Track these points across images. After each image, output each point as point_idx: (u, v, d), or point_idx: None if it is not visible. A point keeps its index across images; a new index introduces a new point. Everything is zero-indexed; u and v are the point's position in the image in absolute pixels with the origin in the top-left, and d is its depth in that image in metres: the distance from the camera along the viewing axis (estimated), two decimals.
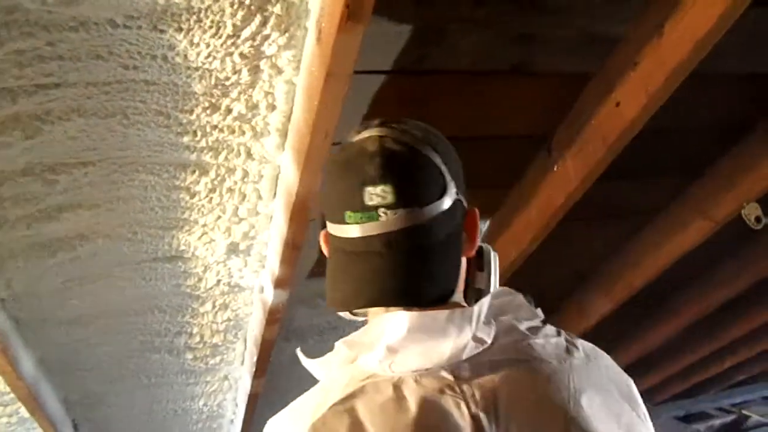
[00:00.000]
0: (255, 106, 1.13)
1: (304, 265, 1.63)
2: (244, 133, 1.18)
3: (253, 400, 2.11)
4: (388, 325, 0.71)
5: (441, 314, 0.70)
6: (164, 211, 1.34)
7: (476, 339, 0.71)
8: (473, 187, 1.57)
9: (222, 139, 1.18)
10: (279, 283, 1.51)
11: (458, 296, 0.76)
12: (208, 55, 1.02)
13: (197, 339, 1.80)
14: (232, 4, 0.94)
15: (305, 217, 1.31)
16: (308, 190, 1.22)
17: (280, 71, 1.07)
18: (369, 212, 0.70)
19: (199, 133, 1.16)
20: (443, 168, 0.72)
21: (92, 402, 2.03)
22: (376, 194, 0.69)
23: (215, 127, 1.16)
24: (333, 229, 0.75)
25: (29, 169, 1.17)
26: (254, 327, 1.77)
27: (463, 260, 0.78)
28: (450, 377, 0.69)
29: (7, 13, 0.89)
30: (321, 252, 1.65)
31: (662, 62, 1.16)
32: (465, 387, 0.68)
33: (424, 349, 0.70)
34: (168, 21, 0.96)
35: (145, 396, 2.09)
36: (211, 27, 0.97)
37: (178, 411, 2.19)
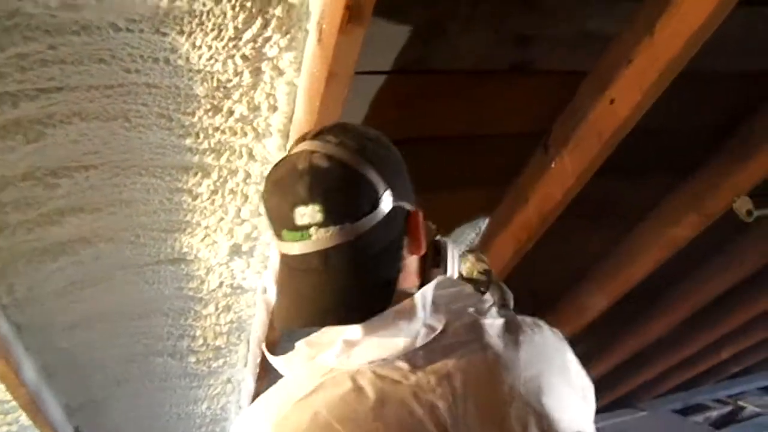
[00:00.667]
0: (257, 108, 1.14)
1: None
2: (246, 134, 1.19)
3: None
4: (344, 329, 0.74)
5: (388, 313, 0.72)
6: (167, 213, 1.34)
7: (427, 326, 0.73)
8: (472, 185, 1.59)
9: (224, 141, 1.19)
10: None
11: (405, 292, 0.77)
12: (210, 58, 1.03)
13: (200, 342, 1.80)
14: (233, 7, 0.95)
15: None
16: None
17: (281, 73, 1.08)
18: (301, 231, 0.72)
19: (201, 135, 1.17)
20: (376, 178, 0.72)
21: (94, 408, 2.03)
22: (306, 214, 0.71)
23: (217, 129, 1.17)
24: (276, 244, 0.78)
25: (30, 173, 1.17)
26: (257, 328, 1.77)
27: (413, 259, 0.81)
28: (406, 366, 0.72)
29: (9, 18, 0.90)
30: None
31: (655, 59, 1.18)
32: (420, 374, 0.71)
33: (379, 341, 0.73)
34: (170, 24, 0.96)
35: (148, 400, 2.09)
36: (212, 30, 0.98)
37: (182, 415, 2.19)
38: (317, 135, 0.76)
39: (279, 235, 0.75)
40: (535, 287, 2.17)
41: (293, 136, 1.19)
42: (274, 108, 1.15)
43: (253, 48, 1.03)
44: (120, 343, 1.72)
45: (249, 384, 2.03)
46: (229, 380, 2.05)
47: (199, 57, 1.03)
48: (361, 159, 0.72)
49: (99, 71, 1.02)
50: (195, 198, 1.31)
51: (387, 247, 0.75)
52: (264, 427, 0.72)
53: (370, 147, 0.75)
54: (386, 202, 0.73)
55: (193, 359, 1.86)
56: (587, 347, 2.94)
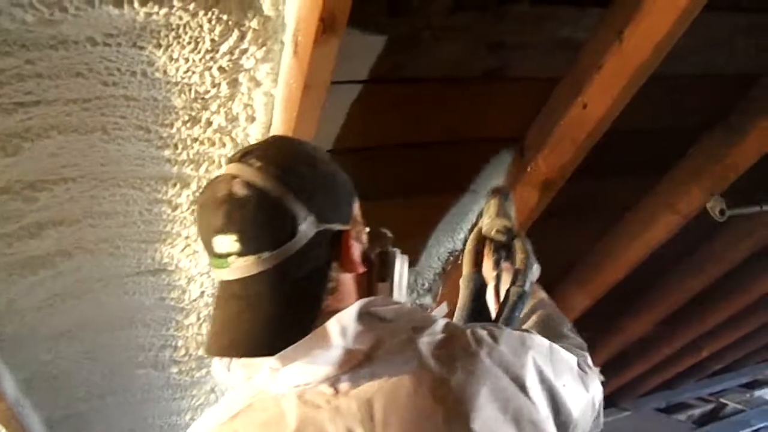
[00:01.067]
0: (235, 119, 1.16)
1: None
2: (224, 144, 1.20)
3: None
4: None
5: (302, 342, 0.70)
6: (146, 224, 1.35)
7: (348, 351, 0.72)
8: (450, 190, 1.61)
9: (203, 152, 1.20)
10: None
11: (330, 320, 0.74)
12: (187, 70, 1.04)
13: (182, 352, 1.80)
14: (209, 20, 0.97)
15: None
16: None
17: (258, 84, 1.10)
18: (222, 260, 0.72)
19: (179, 146, 1.18)
20: (296, 205, 0.71)
21: (76, 421, 2.02)
22: (224, 243, 0.71)
23: (196, 139, 1.18)
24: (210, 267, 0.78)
25: (9, 187, 1.18)
26: None
27: (349, 277, 0.79)
28: (329, 391, 0.72)
29: None
30: None
31: (624, 65, 1.21)
32: (342, 399, 0.71)
33: (301, 367, 0.72)
34: (147, 38, 0.98)
35: (131, 412, 2.08)
36: (189, 42, 1.00)
37: (165, 427, 2.18)
38: (243, 156, 0.75)
39: (208, 261, 0.77)
40: None
41: None
42: (252, 118, 1.16)
43: (230, 60, 1.04)
44: (101, 355, 1.72)
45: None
46: (212, 390, 2.05)
47: (177, 69, 1.04)
48: (281, 185, 0.71)
49: (76, 85, 1.03)
50: (175, 208, 1.31)
51: (311, 272, 0.74)
52: None
53: (294, 170, 0.74)
54: (307, 229, 0.72)
55: (175, 370, 1.86)
56: None
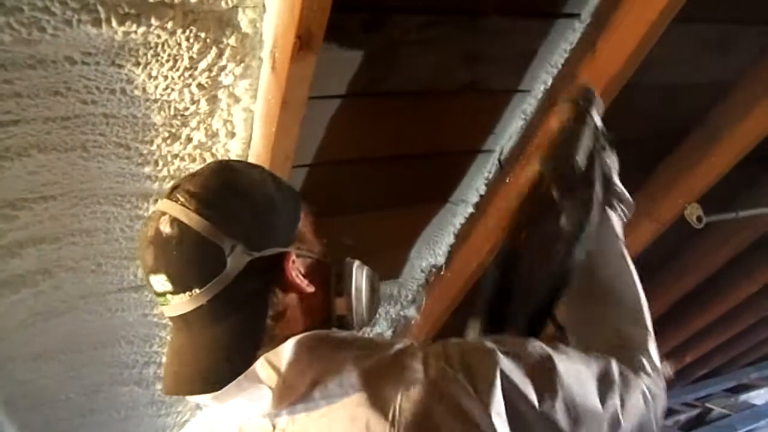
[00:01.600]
0: (215, 135, 1.16)
1: None
2: (205, 160, 1.20)
3: None
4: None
5: (233, 385, 0.70)
6: (128, 241, 1.35)
7: (283, 389, 0.70)
8: (428, 200, 1.63)
9: (183, 168, 1.21)
10: None
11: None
12: (167, 87, 1.05)
13: None
14: (188, 38, 0.98)
15: None
16: None
17: (237, 100, 1.11)
18: (161, 297, 0.73)
19: (160, 163, 1.19)
20: (223, 238, 0.70)
21: None
22: (158, 282, 0.72)
23: (176, 156, 1.18)
24: None
25: None
26: None
27: (295, 299, 0.77)
28: (268, 426, 0.72)
29: None
30: None
31: (598, 76, 1.24)
32: None
33: (238, 404, 0.73)
34: (125, 56, 0.98)
35: (115, 431, 2.07)
36: (168, 60, 1.01)
37: None
38: (172, 191, 0.75)
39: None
40: None
41: (252, 160, 1.21)
42: (232, 134, 1.17)
43: (209, 77, 1.05)
44: (85, 373, 1.71)
45: None
46: (197, 406, 2.04)
47: (156, 87, 1.05)
48: (204, 219, 0.71)
49: (55, 103, 1.03)
50: None
51: (249, 300, 0.73)
52: None
53: (220, 201, 0.73)
54: (236, 260, 0.71)
55: (160, 386, 1.85)
56: None
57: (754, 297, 2.86)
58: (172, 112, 1.10)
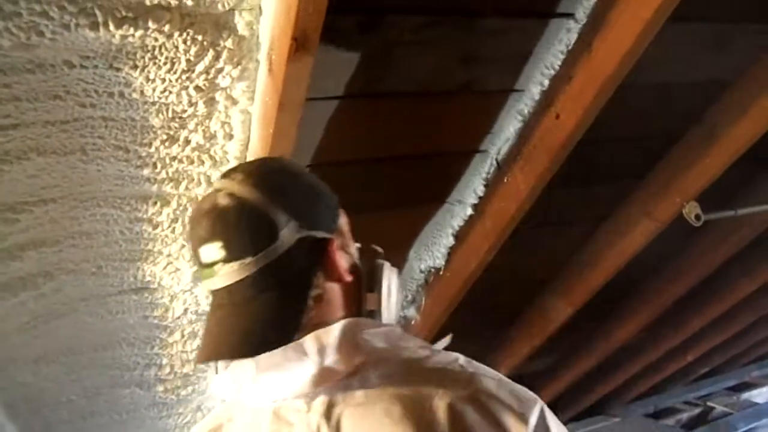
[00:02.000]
0: (213, 136, 1.17)
1: None
2: (203, 162, 1.21)
3: None
4: (240, 367, 0.76)
5: (277, 352, 0.72)
6: (128, 243, 1.35)
7: (327, 370, 0.72)
8: (427, 201, 1.63)
9: (182, 170, 1.21)
10: None
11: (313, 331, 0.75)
12: (164, 90, 1.06)
13: (167, 370, 1.79)
14: (185, 41, 0.98)
15: None
16: None
17: (235, 102, 1.11)
18: (208, 269, 0.75)
19: (159, 165, 1.19)
20: (277, 211, 0.74)
21: None
22: (210, 252, 0.74)
23: (174, 158, 1.19)
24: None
25: None
26: None
27: (336, 287, 0.80)
28: (304, 407, 0.73)
29: None
30: None
31: (594, 76, 1.24)
32: (313, 417, 0.72)
33: (276, 380, 0.74)
34: (123, 59, 0.99)
35: None
36: (165, 63, 1.01)
37: None
38: (227, 173, 0.79)
39: (199, 276, 0.79)
40: (500, 299, 2.22)
41: None
42: (230, 136, 1.18)
43: (206, 79, 1.06)
44: (85, 375, 1.71)
45: None
46: (199, 408, 2.04)
47: (154, 90, 1.05)
48: (261, 193, 0.75)
49: (54, 107, 1.04)
50: (155, 227, 1.32)
51: (295, 276, 0.76)
52: None
53: (275, 180, 0.78)
54: (289, 234, 0.74)
55: (161, 388, 1.85)
56: (556, 357, 3.00)
57: (753, 295, 2.86)
58: (170, 115, 1.11)
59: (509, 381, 0.74)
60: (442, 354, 0.77)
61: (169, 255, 1.41)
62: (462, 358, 0.76)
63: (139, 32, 0.94)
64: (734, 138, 1.63)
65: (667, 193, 1.82)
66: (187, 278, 1.48)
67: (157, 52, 0.99)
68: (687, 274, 2.46)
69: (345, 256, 0.82)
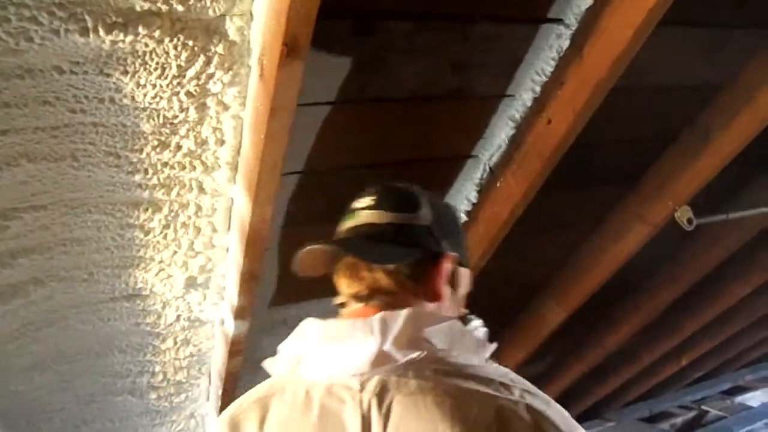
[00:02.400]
0: (204, 142, 1.17)
1: (264, 294, 1.65)
2: (195, 168, 1.21)
3: None
4: (302, 332, 0.83)
5: (348, 322, 0.79)
6: (119, 250, 1.35)
7: (385, 353, 0.74)
8: None
9: (173, 176, 1.21)
10: (239, 314, 1.53)
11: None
12: (155, 96, 1.05)
13: (160, 377, 1.78)
14: (175, 47, 0.98)
15: (261, 247, 1.34)
16: (261, 221, 1.25)
17: (226, 107, 1.11)
18: (353, 213, 0.90)
19: (150, 171, 1.19)
20: (426, 204, 0.89)
21: None
22: (363, 201, 0.90)
23: (166, 164, 1.18)
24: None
25: None
26: (217, 360, 1.77)
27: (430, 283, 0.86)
28: (357, 386, 0.74)
29: None
30: (280, 281, 1.68)
31: (585, 80, 1.25)
32: (365, 397, 0.73)
33: (336, 353, 0.77)
34: (113, 65, 0.99)
35: None
36: (156, 69, 1.01)
37: None
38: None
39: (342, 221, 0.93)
40: (494, 304, 2.22)
41: (242, 169, 1.21)
42: (221, 141, 1.17)
43: (197, 85, 1.05)
44: (78, 383, 1.70)
45: (212, 418, 2.01)
46: (192, 415, 2.03)
47: (144, 95, 1.05)
48: (420, 192, 0.92)
49: (44, 113, 1.03)
50: (147, 233, 1.31)
51: (415, 247, 0.85)
52: (219, 419, 0.82)
53: (431, 197, 0.93)
54: (423, 217, 0.88)
55: (154, 396, 1.84)
56: (551, 361, 3.00)
57: (746, 299, 2.87)
58: (161, 121, 1.10)
59: (556, 404, 0.75)
60: (495, 366, 0.79)
61: (161, 261, 1.40)
62: (513, 374, 0.78)
63: (130, 38, 0.93)
64: (726, 141, 1.64)
65: (659, 197, 1.83)
66: (179, 285, 1.47)
67: (147, 57, 0.99)
68: (680, 278, 2.47)
69: (448, 287, 0.87)
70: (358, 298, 0.85)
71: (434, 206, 0.91)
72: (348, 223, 0.89)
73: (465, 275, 0.93)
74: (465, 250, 0.96)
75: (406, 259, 0.84)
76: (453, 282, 0.88)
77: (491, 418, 0.68)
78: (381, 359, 0.74)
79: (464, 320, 0.89)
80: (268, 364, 0.87)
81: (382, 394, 0.72)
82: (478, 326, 0.86)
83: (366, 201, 0.90)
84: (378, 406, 0.72)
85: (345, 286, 0.88)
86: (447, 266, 0.86)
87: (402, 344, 0.75)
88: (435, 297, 0.85)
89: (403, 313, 0.77)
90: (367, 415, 0.72)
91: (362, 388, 0.74)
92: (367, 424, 0.71)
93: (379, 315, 0.77)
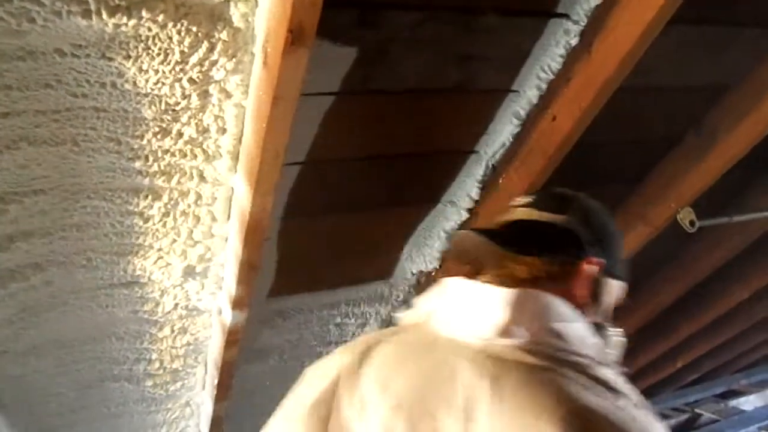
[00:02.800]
0: (206, 130, 1.16)
1: (262, 285, 1.64)
2: (196, 156, 1.20)
3: (216, 424, 2.10)
4: (443, 289, 0.89)
5: (488, 287, 0.83)
6: (118, 236, 1.34)
7: (511, 328, 0.78)
8: (421, 201, 1.63)
9: (174, 163, 1.20)
10: (237, 304, 1.52)
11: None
12: (157, 82, 1.04)
13: (157, 365, 1.78)
14: (179, 32, 0.97)
15: (260, 237, 1.33)
16: (261, 210, 1.24)
17: (229, 95, 1.10)
18: (510, 209, 0.99)
19: (150, 158, 1.18)
20: (580, 207, 0.97)
21: None
22: (520, 199, 1.00)
23: (167, 151, 1.17)
24: None
25: None
26: (214, 350, 1.77)
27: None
28: (476, 346, 0.79)
29: None
30: (279, 272, 1.67)
31: (592, 78, 1.23)
32: (480, 360, 0.76)
33: (464, 315, 0.83)
34: (116, 49, 0.98)
35: (106, 427, 2.05)
36: (159, 54, 1.00)
37: None
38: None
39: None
40: None
41: (243, 158, 1.20)
42: (223, 130, 1.16)
43: (200, 71, 1.04)
44: (75, 369, 1.69)
45: (208, 407, 2.01)
46: (187, 404, 2.03)
47: (147, 81, 1.04)
48: (578, 199, 1.00)
49: (46, 96, 1.02)
50: (146, 220, 1.31)
51: (546, 247, 0.90)
52: (357, 341, 0.92)
53: (592, 206, 1.02)
54: (571, 220, 0.94)
55: (150, 383, 1.84)
56: None
57: (747, 302, 2.86)
58: (162, 107, 1.09)
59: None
60: (614, 372, 0.80)
61: (159, 249, 1.39)
62: (629, 385, 0.79)
63: (133, 21, 0.92)
64: (732, 143, 1.63)
65: (662, 198, 1.82)
66: (178, 273, 1.46)
67: (150, 42, 0.98)
68: (680, 280, 2.46)
69: (588, 292, 0.90)
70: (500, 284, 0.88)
71: (588, 212, 0.96)
72: (502, 218, 0.97)
73: (613, 285, 0.96)
74: (617, 260, 0.98)
75: (544, 255, 0.88)
76: (595, 289, 0.91)
77: (591, 418, 0.68)
78: (506, 332, 0.78)
79: (599, 327, 0.92)
80: (402, 314, 0.96)
81: (496, 368, 0.75)
82: (611, 335, 0.90)
83: (524, 199, 0.98)
84: (489, 376, 0.74)
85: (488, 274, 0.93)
86: (588, 271, 0.90)
87: (529, 325, 0.79)
88: (571, 298, 0.86)
89: (540, 298, 0.81)
90: (477, 377, 0.74)
91: (479, 352, 0.77)
92: (478, 387, 0.73)
93: (519, 290, 0.81)
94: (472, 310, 0.82)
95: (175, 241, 1.38)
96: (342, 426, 0.83)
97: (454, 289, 0.88)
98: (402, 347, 0.85)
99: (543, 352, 0.76)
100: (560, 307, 0.83)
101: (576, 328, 0.82)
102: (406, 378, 0.80)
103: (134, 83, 1.04)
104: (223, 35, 1.00)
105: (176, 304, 1.57)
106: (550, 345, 0.78)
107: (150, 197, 1.26)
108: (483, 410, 0.71)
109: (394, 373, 0.82)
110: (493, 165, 1.50)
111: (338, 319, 1.94)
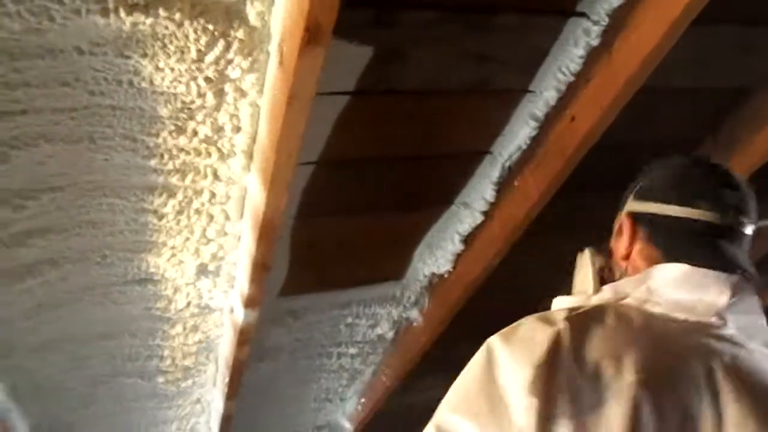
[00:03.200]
0: (221, 129, 1.16)
1: (273, 284, 1.64)
2: (210, 155, 1.20)
3: (226, 422, 2.10)
4: (659, 272, 0.89)
5: (710, 272, 0.85)
6: (133, 234, 1.35)
7: (723, 311, 0.83)
8: (437, 203, 1.62)
9: (189, 162, 1.20)
10: (249, 303, 1.53)
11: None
12: (174, 80, 1.04)
13: (168, 362, 1.79)
14: (195, 30, 0.97)
15: (273, 237, 1.33)
16: (275, 210, 1.24)
17: (244, 94, 1.10)
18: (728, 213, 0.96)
19: (165, 156, 1.18)
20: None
21: (63, 430, 2.01)
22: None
23: (182, 149, 1.18)
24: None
25: None
26: (225, 348, 1.77)
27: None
28: (713, 322, 0.83)
29: None
30: (291, 271, 1.66)
31: (613, 78, 1.21)
32: (711, 343, 0.81)
33: (683, 299, 0.85)
34: (133, 47, 0.98)
35: (118, 422, 2.07)
36: (175, 52, 1.00)
37: None
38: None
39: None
40: (506, 304, 2.19)
41: (257, 157, 1.20)
42: (237, 129, 1.16)
43: (216, 70, 1.04)
44: (88, 364, 1.71)
45: (218, 404, 2.02)
46: (198, 400, 2.04)
47: (163, 79, 1.04)
48: None
49: (64, 94, 1.03)
50: (161, 218, 1.31)
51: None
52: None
53: None
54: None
55: (161, 379, 1.85)
56: None
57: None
58: (178, 105, 1.09)
59: None
60: None
61: (173, 247, 1.40)
62: None
63: (150, 20, 0.93)
64: (751, 152, 1.60)
65: None
66: (191, 271, 1.47)
67: (167, 40, 0.98)
68: None
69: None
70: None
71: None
72: (727, 222, 0.96)
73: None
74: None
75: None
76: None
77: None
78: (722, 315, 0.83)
79: None
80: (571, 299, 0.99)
81: (735, 342, 0.82)
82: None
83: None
84: (732, 353, 0.80)
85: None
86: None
87: (746, 311, 0.85)
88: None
89: (753, 291, 0.87)
90: (717, 356, 0.79)
91: (720, 329, 0.83)
92: (715, 367, 0.78)
93: (738, 278, 0.85)
94: (696, 293, 0.85)
95: (188, 239, 1.38)
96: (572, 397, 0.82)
97: (673, 272, 0.88)
98: (623, 324, 0.85)
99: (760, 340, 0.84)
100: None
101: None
102: (641, 353, 0.81)
103: (151, 81, 1.04)
104: (239, 34, 0.99)
105: (189, 302, 1.58)
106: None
107: (164, 195, 1.27)
108: (725, 389, 0.76)
109: (626, 348, 0.82)
110: (509, 166, 1.49)
111: (349, 320, 1.94)
